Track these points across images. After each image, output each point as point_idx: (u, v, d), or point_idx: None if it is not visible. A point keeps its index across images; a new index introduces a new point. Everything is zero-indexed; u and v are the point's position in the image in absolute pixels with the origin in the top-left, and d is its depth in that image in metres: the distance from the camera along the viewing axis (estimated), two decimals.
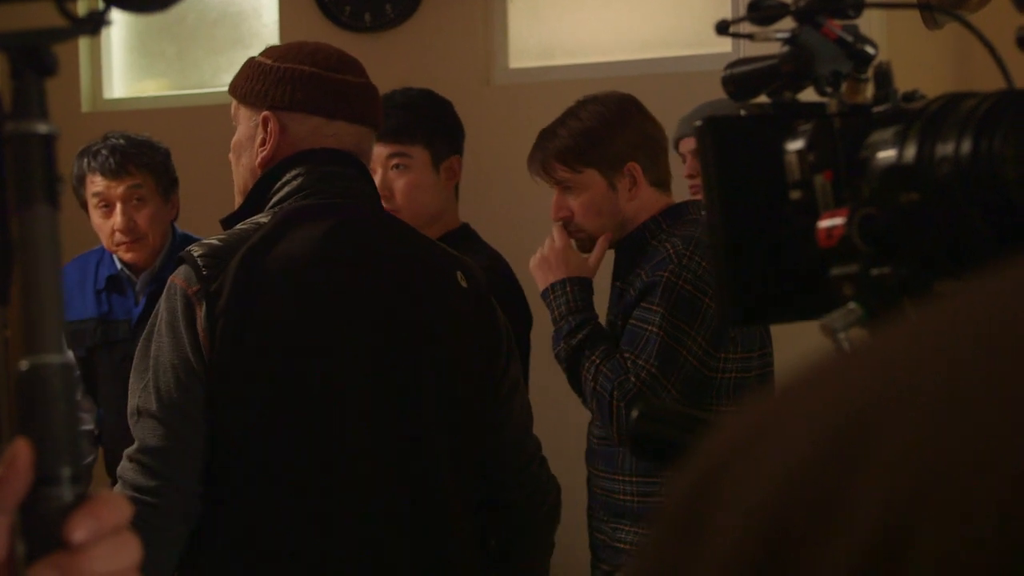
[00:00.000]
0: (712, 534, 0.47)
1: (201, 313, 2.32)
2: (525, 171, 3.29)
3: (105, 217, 4.12)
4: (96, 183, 4.12)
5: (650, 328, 3.04)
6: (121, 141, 4.21)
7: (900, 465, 0.42)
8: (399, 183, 3.37)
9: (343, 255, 2.48)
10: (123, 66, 6.57)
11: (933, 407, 0.44)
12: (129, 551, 0.93)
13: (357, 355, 2.43)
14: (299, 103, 2.53)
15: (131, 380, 2.41)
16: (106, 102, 6.50)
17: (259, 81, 2.56)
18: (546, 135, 3.27)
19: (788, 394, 0.51)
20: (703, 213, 3.18)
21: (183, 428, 2.33)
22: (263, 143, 2.54)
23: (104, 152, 4.14)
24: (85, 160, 4.15)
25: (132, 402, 2.37)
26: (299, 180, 2.49)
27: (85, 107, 6.35)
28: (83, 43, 6.43)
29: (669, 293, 3.04)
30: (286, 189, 2.49)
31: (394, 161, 3.39)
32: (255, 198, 2.53)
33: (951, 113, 1.17)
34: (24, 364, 0.91)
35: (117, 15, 0.96)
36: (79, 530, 0.89)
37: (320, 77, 2.54)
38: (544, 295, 3.20)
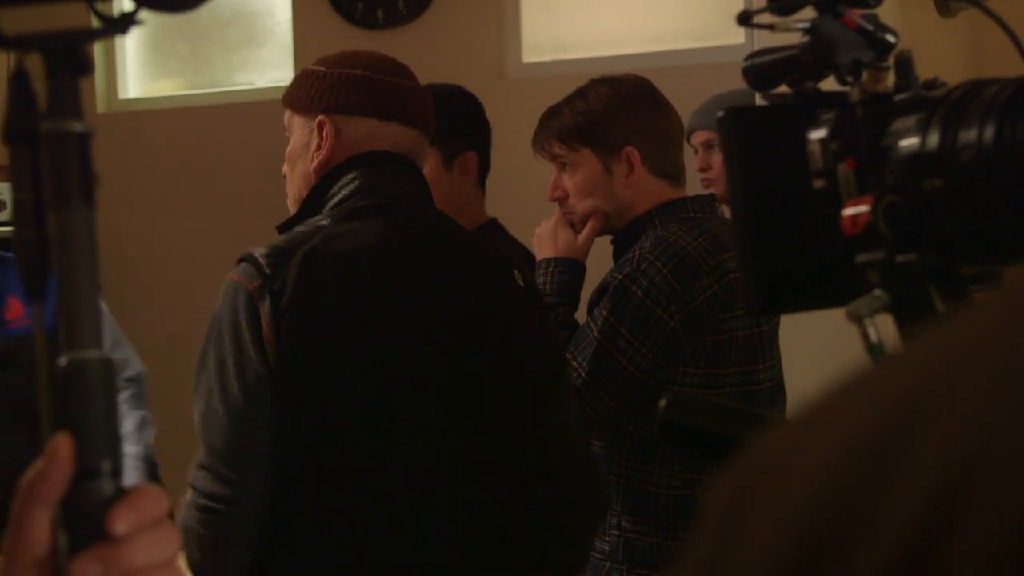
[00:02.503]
0: (757, 526, 0.47)
1: (265, 309, 2.32)
2: (541, 164, 3.27)
3: None
4: None
5: (593, 330, 3.00)
6: None
7: (943, 457, 0.42)
8: None
9: (404, 254, 2.49)
10: (137, 66, 6.60)
11: (976, 399, 0.43)
12: (169, 542, 0.94)
13: (420, 349, 2.44)
14: (354, 105, 2.53)
15: (195, 384, 2.40)
16: (121, 102, 6.54)
17: (313, 87, 2.57)
18: (550, 113, 3.24)
19: (835, 397, 0.50)
20: (700, 213, 3.17)
21: (250, 429, 2.32)
22: (318, 147, 2.54)
23: None
24: None
25: (197, 406, 2.37)
26: (356, 182, 2.49)
27: (100, 108, 6.39)
28: (98, 43, 6.45)
29: (619, 297, 3.00)
30: (344, 191, 2.49)
31: None
32: (312, 201, 2.53)
33: (974, 100, 1.17)
34: (63, 360, 0.92)
35: (146, 15, 0.96)
36: (120, 522, 0.90)
37: (373, 80, 2.55)
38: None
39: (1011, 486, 0.39)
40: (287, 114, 2.64)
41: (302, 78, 2.63)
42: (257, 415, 2.31)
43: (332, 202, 2.49)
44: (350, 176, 2.50)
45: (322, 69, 2.59)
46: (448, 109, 3.33)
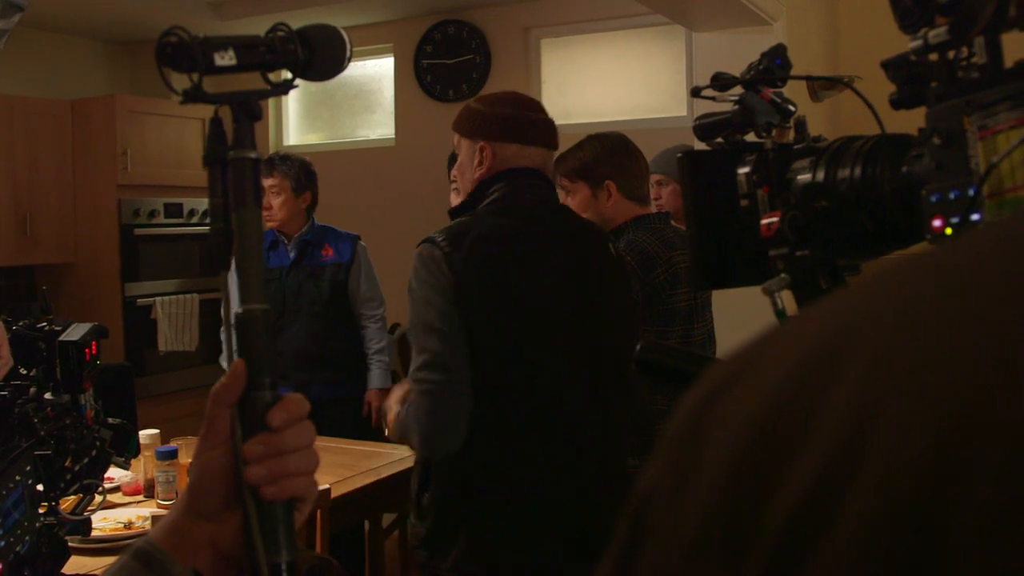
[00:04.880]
0: (708, 447, 0.41)
1: (446, 269, 2.31)
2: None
3: None
4: None
5: None
6: (275, 156, 4.55)
7: (857, 387, 0.37)
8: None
9: (537, 235, 2.47)
10: (296, 123, 6.61)
11: (888, 335, 0.38)
12: (309, 433, 0.91)
13: (554, 297, 2.43)
14: (506, 135, 2.50)
15: (411, 313, 2.39)
16: (285, 147, 6.51)
17: (476, 121, 2.53)
18: (559, 159, 3.27)
19: (765, 341, 0.45)
20: (662, 223, 3.13)
21: (452, 336, 2.31)
22: (480, 163, 2.51)
23: (264, 161, 4.33)
24: None
25: (414, 329, 2.35)
26: (506, 189, 2.48)
27: (272, 149, 6.36)
28: (271, 107, 6.44)
29: None
30: (497, 194, 2.48)
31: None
32: (474, 199, 2.51)
33: (847, 149, 1.15)
34: (239, 309, 0.89)
35: (299, 82, 0.93)
36: (276, 419, 0.88)
37: (519, 116, 2.52)
38: None
39: (908, 423, 0.34)
40: (456, 137, 2.58)
41: (468, 113, 2.57)
42: (457, 328, 2.31)
43: (488, 200, 2.47)
44: (502, 184, 2.48)
45: (482, 108, 2.54)
46: None
